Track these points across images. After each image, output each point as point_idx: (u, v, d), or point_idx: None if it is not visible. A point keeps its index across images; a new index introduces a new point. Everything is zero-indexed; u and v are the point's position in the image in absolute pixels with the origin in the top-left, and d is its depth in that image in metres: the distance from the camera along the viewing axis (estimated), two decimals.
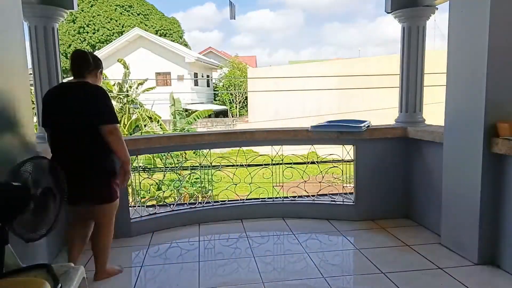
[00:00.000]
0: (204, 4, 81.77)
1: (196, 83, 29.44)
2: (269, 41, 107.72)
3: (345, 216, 3.87)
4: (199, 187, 8.33)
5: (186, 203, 4.14)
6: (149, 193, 7.97)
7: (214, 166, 4.18)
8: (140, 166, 3.91)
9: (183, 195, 8.57)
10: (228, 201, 4.12)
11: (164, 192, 4.91)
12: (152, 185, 7.61)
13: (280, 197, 4.12)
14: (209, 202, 4.05)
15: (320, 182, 4.05)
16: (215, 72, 33.55)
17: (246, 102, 27.40)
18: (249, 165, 4.16)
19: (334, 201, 4.02)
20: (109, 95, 2.59)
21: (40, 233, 1.53)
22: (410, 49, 3.73)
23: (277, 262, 3.10)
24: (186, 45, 37.01)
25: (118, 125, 2.52)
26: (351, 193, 3.97)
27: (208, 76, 32.70)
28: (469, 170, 2.83)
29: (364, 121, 3.88)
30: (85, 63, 2.56)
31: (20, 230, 1.53)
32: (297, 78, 18.34)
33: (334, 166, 4.14)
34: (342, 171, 4.01)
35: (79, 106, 2.44)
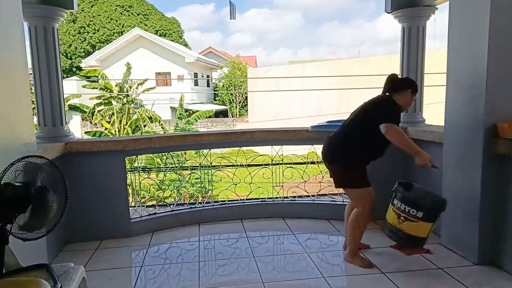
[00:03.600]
0: (203, 3, 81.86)
1: (196, 83, 29.45)
2: (267, 41, 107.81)
3: None
4: (199, 187, 8.34)
5: (186, 203, 4.14)
6: (149, 193, 7.98)
7: (214, 166, 4.18)
8: (139, 166, 3.91)
9: (183, 195, 8.56)
10: (228, 201, 4.12)
11: (164, 192, 4.91)
12: (152, 185, 7.61)
13: (280, 197, 4.12)
14: (209, 202, 4.06)
15: (320, 182, 4.05)
16: (215, 72, 33.55)
17: (246, 102, 27.40)
18: (249, 165, 4.16)
19: (334, 201, 4.02)
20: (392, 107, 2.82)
21: (39, 233, 1.53)
22: (410, 49, 3.73)
23: (277, 262, 3.10)
24: (186, 45, 37.01)
25: (388, 124, 2.68)
26: None
27: (208, 76, 32.71)
28: (469, 170, 2.83)
29: None
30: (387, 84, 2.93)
31: (17, 230, 1.53)
32: (297, 78, 18.34)
33: None
34: None
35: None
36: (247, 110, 26.52)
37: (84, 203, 3.43)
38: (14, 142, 2.13)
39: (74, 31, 32.05)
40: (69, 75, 29.27)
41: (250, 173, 4.18)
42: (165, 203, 4.31)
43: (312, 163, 4.21)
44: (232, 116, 28.56)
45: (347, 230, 2.94)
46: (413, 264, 2.90)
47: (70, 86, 20.59)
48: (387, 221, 2.74)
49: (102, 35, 32.37)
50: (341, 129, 3.00)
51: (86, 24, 32.19)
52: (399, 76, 3.01)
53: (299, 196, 4.13)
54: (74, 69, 31.24)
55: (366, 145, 2.83)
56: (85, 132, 12.88)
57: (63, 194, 1.54)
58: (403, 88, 2.87)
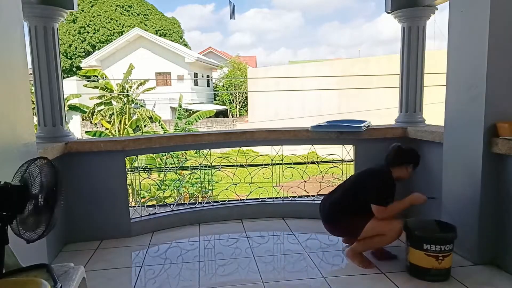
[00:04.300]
0: (202, 3, 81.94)
1: (196, 83, 29.44)
2: (267, 41, 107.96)
3: None
4: (199, 187, 8.34)
5: (186, 203, 4.14)
6: (149, 193, 7.99)
7: (214, 166, 4.18)
8: (139, 166, 3.92)
9: (183, 195, 8.57)
10: (228, 201, 4.12)
11: (164, 192, 4.91)
12: (152, 185, 7.62)
13: (280, 197, 4.12)
14: (209, 202, 4.06)
15: (320, 182, 4.05)
16: (215, 72, 33.54)
17: (246, 102, 27.39)
18: (249, 165, 4.16)
19: None
20: (390, 186, 2.84)
21: (39, 232, 1.53)
22: (410, 49, 3.73)
23: (277, 262, 3.10)
24: (186, 45, 37.01)
25: (381, 207, 2.77)
26: None
27: (208, 76, 32.70)
28: (469, 170, 2.83)
29: (364, 121, 3.88)
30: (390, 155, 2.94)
31: (20, 229, 1.53)
32: (297, 78, 18.34)
33: (334, 166, 4.14)
34: (342, 171, 4.01)
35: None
36: (247, 110, 26.51)
37: (84, 203, 3.43)
38: (14, 142, 2.13)
39: (74, 31, 32.05)
40: (69, 75, 29.27)
41: (250, 173, 4.18)
42: (165, 203, 4.31)
43: (312, 163, 4.21)
44: (232, 116, 28.55)
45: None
46: None
47: (70, 86, 20.61)
48: (423, 268, 2.65)
49: (102, 35, 32.37)
50: (337, 198, 3.03)
51: (86, 24, 32.19)
52: (403, 146, 2.98)
53: (299, 196, 4.12)
54: (74, 69, 31.24)
55: (360, 211, 2.85)
56: (85, 132, 12.88)
57: (57, 196, 1.54)
58: (405, 163, 2.89)
